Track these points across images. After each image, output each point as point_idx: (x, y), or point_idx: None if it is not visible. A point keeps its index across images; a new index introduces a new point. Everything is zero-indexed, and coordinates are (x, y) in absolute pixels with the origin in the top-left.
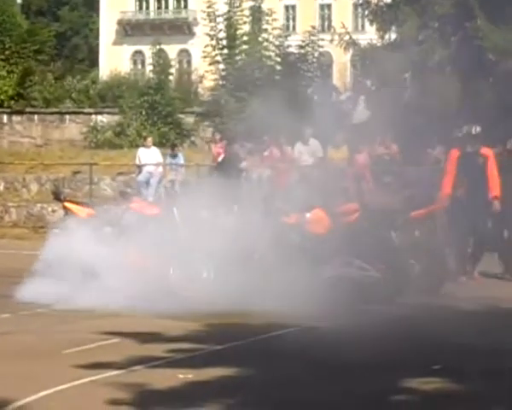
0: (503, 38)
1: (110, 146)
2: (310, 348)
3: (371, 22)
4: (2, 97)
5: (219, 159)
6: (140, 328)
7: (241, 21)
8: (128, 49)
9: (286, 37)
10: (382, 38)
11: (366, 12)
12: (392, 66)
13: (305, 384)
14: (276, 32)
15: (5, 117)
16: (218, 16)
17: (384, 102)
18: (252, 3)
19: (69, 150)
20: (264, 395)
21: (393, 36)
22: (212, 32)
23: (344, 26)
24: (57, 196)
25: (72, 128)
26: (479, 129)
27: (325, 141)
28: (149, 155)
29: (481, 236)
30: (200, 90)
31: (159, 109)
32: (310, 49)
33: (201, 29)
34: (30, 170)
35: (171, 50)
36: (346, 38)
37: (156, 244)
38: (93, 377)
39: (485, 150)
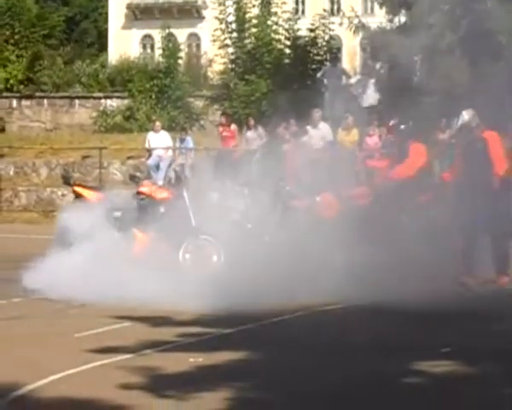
0: None
1: (120, 130)
2: (318, 331)
3: (380, 5)
4: (11, 82)
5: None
6: (150, 312)
7: (250, 5)
8: (137, 34)
9: (295, 20)
10: (392, 21)
11: None
12: (401, 49)
13: (313, 368)
14: (286, 15)
15: (15, 101)
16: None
17: (393, 85)
18: None
19: (79, 135)
20: (273, 378)
21: (403, 19)
22: (221, 16)
23: (353, 10)
24: (67, 181)
25: (82, 112)
26: (468, 117)
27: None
28: (159, 139)
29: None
30: (209, 73)
31: (168, 93)
32: (320, 32)
33: (210, 13)
34: (40, 154)
35: (181, 34)
36: (356, 21)
37: (166, 228)
38: (104, 361)
39: (486, 133)
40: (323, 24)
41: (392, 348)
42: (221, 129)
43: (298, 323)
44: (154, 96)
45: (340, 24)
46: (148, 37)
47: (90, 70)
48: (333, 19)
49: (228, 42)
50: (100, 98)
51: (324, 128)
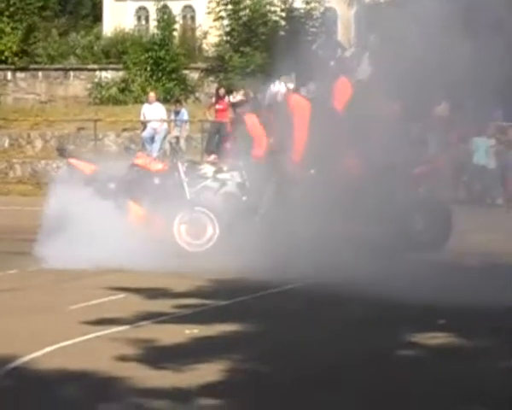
0: None
1: (114, 102)
2: (314, 304)
3: None
4: (6, 54)
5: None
6: (146, 284)
7: None
8: (132, 5)
9: None
10: None
11: None
12: (396, 21)
13: (309, 340)
14: None
15: (9, 74)
16: None
17: (388, 58)
18: None
19: (73, 107)
20: (269, 350)
21: None
22: None
23: None
24: (62, 153)
25: (77, 84)
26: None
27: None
28: (154, 111)
29: None
30: (204, 45)
31: (163, 65)
32: (315, 4)
33: None
34: (34, 126)
35: (175, 6)
36: None
37: (161, 200)
38: (99, 333)
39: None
40: None
41: (388, 320)
42: (214, 100)
43: (293, 295)
44: (148, 68)
45: None
46: (142, 9)
47: (84, 42)
48: None
49: (223, 14)
50: (94, 70)
51: None
